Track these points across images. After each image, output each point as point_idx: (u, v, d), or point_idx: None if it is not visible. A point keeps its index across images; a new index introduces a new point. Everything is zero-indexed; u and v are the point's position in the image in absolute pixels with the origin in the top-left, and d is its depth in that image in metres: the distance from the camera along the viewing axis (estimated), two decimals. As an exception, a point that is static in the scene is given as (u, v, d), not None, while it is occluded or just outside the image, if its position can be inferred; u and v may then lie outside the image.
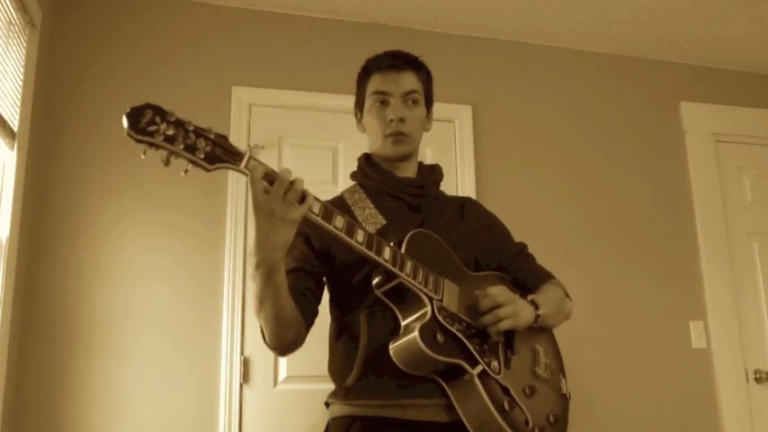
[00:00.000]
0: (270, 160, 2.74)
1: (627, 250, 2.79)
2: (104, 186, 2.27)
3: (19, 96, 2.00)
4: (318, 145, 2.55)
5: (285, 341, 1.23)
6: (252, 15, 2.58)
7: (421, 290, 1.17)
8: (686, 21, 2.75)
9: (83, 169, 2.27)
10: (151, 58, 2.43)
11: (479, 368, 1.19)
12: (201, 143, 0.97)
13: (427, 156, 2.65)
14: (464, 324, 1.21)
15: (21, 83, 2.00)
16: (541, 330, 1.37)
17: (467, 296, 1.25)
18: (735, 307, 2.85)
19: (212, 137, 0.99)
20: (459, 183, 2.64)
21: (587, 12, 2.68)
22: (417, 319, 1.17)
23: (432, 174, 1.47)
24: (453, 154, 2.68)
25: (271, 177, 1.02)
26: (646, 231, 2.84)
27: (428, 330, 1.14)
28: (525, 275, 1.45)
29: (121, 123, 0.93)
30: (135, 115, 0.92)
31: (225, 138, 1.01)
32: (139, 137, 0.92)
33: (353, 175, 1.47)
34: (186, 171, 0.98)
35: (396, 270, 1.14)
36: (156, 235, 2.29)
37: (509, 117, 2.80)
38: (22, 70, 2.01)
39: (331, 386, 1.40)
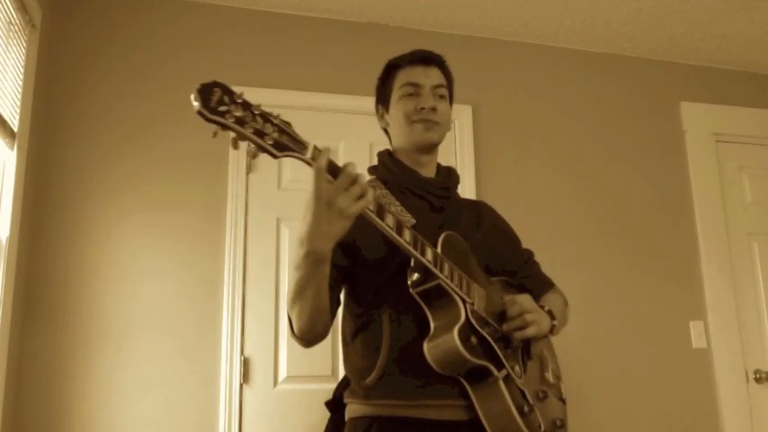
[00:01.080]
0: (270, 160, 2.73)
1: (627, 250, 2.79)
2: (104, 186, 2.27)
3: (19, 96, 2.00)
4: (318, 145, 2.55)
5: (316, 332, 1.23)
6: (252, 15, 2.58)
7: (457, 292, 1.18)
8: (686, 21, 2.75)
9: (83, 169, 2.27)
10: (151, 58, 2.43)
11: (504, 372, 1.21)
12: (269, 128, 0.96)
13: (427, 156, 2.65)
14: (492, 328, 1.23)
15: (21, 83, 2.00)
16: (544, 336, 1.39)
17: (490, 300, 1.27)
18: (735, 307, 2.85)
19: (278, 122, 0.98)
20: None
21: (587, 12, 2.68)
22: (452, 320, 1.17)
23: (451, 176, 1.47)
24: (453, 154, 2.67)
25: (334, 169, 1.01)
26: (646, 231, 2.84)
27: (464, 332, 1.15)
28: (531, 283, 1.47)
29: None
30: (205, 93, 0.89)
31: (290, 125, 1.00)
32: (212, 116, 0.89)
33: (372, 170, 1.44)
34: (255, 156, 0.96)
35: (437, 271, 1.15)
36: (156, 235, 2.29)
37: (509, 117, 2.80)
38: (22, 70, 2.01)
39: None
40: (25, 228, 2.07)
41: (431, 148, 1.39)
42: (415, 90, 1.37)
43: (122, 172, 2.29)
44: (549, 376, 1.35)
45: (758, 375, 2.80)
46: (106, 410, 2.12)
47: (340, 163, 1.04)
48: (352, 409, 1.28)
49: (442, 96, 1.39)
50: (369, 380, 1.23)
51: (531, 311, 1.26)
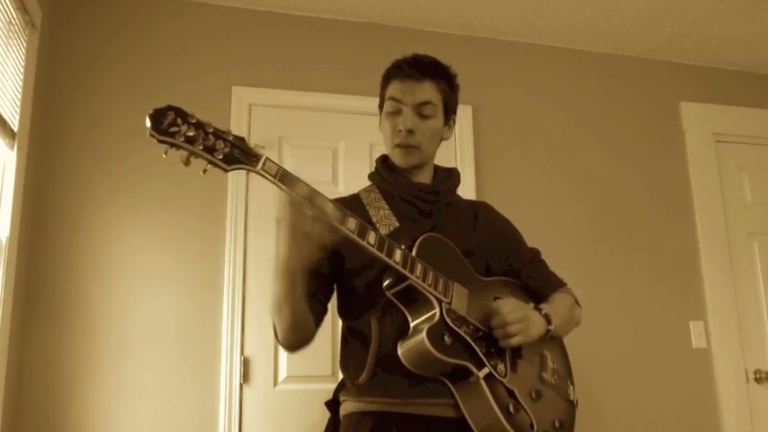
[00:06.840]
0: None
1: (627, 250, 2.79)
2: (104, 186, 2.28)
3: (19, 96, 2.00)
4: (318, 145, 2.55)
5: (296, 341, 1.28)
6: (252, 15, 2.58)
7: (430, 292, 1.19)
8: (686, 21, 2.75)
9: (83, 169, 2.27)
10: (151, 57, 2.43)
11: (485, 370, 1.20)
12: (220, 144, 1.03)
13: (427, 156, 2.65)
14: (472, 327, 1.23)
15: (21, 83, 2.00)
16: (551, 337, 1.37)
17: (476, 300, 1.27)
18: (735, 307, 2.85)
19: (231, 138, 1.05)
20: (459, 183, 2.64)
21: (587, 12, 2.68)
22: (426, 320, 1.19)
23: (448, 179, 1.47)
24: (453, 154, 2.67)
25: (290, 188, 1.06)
26: (646, 231, 2.84)
27: (436, 332, 1.16)
28: (536, 283, 1.45)
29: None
30: (157, 116, 0.98)
31: (243, 140, 1.06)
32: (161, 137, 0.98)
33: (371, 176, 1.48)
34: (205, 171, 1.04)
35: (406, 272, 1.16)
36: (156, 235, 2.29)
37: (509, 117, 2.80)
38: (22, 70, 2.01)
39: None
40: (25, 228, 2.08)
41: (413, 168, 1.41)
42: (396, 108, 1.37)
43: (122, 172, 2.29)
44: (548, 376, 1.33)
45: (758, 375, 2.80)
46: (106, 410, 2.13)
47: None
48: (346, 407, 1.32)
49: (425, 115, 1.36)
50: (360, 379, 1.27)
51: (515, 322, 1.22)
